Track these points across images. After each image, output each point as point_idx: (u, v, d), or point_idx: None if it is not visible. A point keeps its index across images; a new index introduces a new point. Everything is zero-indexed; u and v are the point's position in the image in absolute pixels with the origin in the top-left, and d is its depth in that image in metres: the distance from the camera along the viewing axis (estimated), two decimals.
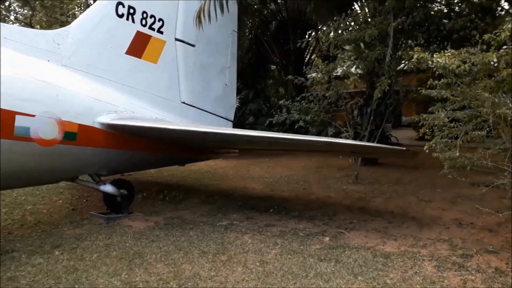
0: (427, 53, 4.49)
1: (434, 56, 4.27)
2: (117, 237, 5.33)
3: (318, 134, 14.08)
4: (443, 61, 4.06)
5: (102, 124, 5.66)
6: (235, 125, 15.94)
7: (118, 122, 5.73)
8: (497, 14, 7.90)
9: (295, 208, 6.60)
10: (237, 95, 15.73)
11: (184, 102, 7.31)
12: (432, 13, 7.43)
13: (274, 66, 19.48)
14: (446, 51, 4.28)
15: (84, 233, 5.55)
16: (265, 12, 17.50)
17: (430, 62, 4.27)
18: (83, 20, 6.16)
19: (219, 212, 6.53)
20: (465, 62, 4.08)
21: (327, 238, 4.95)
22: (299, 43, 8.66)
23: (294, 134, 5.41)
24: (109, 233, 5.51)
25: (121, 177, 7.24)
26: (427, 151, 4.59)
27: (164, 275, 3.98)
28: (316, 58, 17.84)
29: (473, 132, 4.25)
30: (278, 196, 7.75)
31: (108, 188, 6.23)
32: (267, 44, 16.91)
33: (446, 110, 4.27)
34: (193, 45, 7.46)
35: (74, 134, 5.36)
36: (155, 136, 6.24)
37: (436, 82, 4.37)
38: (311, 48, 18.17)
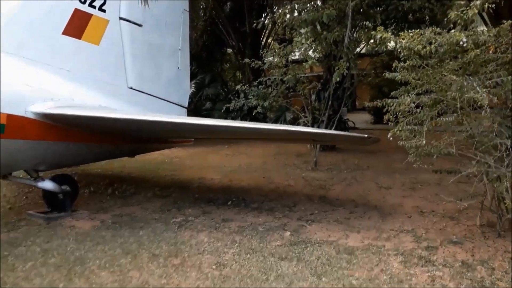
0: (389, 34, 4.24)
1: (399, 36, 4.01)
2: (57, 240, 4.77)
3: (276, 120, 13.86)
4: (407, 42, 3.82)
5: (36, 113, 5.01)
6: (191, 112, 15.34)
7: (55, 111, 5.09)
8: None
9: (254, 199, 6.29)
10: (192, 80, 15.14)
11: (131, 88, 6.70)
12: None
13: (231, 50, 18.96)
14: (407, 32, 4.02)
15: (19, 237, 4.93)
16: None
17: (393, 42, 4.02)
18: None
19: (173, 207, 6.09)
20: (430, 43, 3.85)
21: (288, 233, 4.67)
22: (255, 24, 8.26)
23: (252, 122, 5.06)
24: (49, 236, 4.93)
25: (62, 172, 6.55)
26: (391, 138, 4.37)
27: (107, 285, 3.53)
28: (272, 41, 17.54)
29: (439, 118, 4.06)
30: (236, 187, 7.40)
31: (48, 184, 5.60)
32: (222, 26, 16.32)
33: (411, 95, 4.04)
34: (140, 25, 6.82)
35: (2, 126, 4.68)
36: (98, 126, 5.65)
37: (401, 64, 4.13)
38: (268, 31, 17.82)
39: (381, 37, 4.19)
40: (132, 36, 6.73)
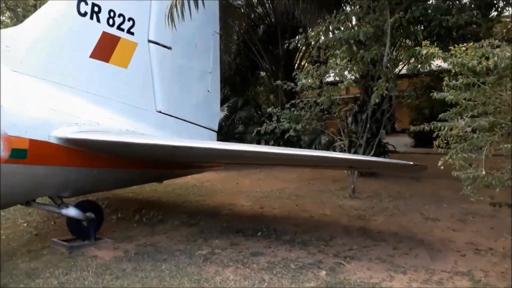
0: (437, 48, 3.76)
1: (448, 51, 3.53)
2: (76, 272, 4.51)
3: (311, 143, 13.39)
4: (460, 57, 3.33)
5: (60, 138, 4.84)
6: (224, 135, 15.19)
7: (79, 136, 4.91)
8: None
9: (286, 230, 5.81)
10: (225, 103, 15.06)
11: (160, 111, 6.50)
12: (434, 6, 6.72)
13: (264, 73, 18.82)
14: (458, 46, 3.54)
15: (39, 267, 4.72)
16: (253, 16, 16.83)
17: (441, 59, 3.54)
18: (39, 19, 5.35)
19: (200, 236, 5.73)
20: (487, 58, 3.35)
21: (324, 272, 4.16)
22: (287, 45, 7.95)
23: (283, 148, 4.66)
24: (68, 267, 4.69)
25: (88, 198, 6.39)
26: (442, 167, 3.83)
27: None
28: (306, 63, 17.26)
29: (500, 145, 3.49)
30: (268, 215, 6.95)
31: (72, 211, 5.40)
32: (255, 50, 16.23)
33: (465, 117, 3.51)
34: (169, 48, 6.68)
35: (24, 151, 4.54)
36: (123, 151, 5.43)
37: (453, 82, 3.63)
38: (301, 53, 17.57)
39: (426, 53, 3.72)
40: (161, 59, 6.58)
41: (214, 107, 7.71)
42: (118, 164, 5.52)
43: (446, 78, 3.74)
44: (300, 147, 15.00)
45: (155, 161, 6.10)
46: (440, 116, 4.01)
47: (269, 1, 16.11)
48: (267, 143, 18.01)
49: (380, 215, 6.52)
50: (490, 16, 6.85)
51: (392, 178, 10.08)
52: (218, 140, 14.90)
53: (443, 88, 3.95)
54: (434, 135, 3.92)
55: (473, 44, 3.51)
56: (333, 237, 5.41)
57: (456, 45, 3.56)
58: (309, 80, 7.43)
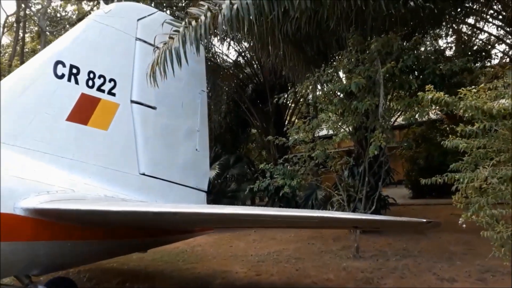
0: (442, 93, 3.45)
1: (455, 96, 3.20)
2: None
3: (307, 198, 12.88)
4: (473, 100, 3.00)
5: (27, 209, 4.32)
6: (216, 193, 14.62)
7: (48, 206, 4.39)
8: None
9: None
10: (216, 161, 14.69)
11: (143, 174, 6.05)
12: (426, 55, 6.61)
13: (255, 130, 18.72)
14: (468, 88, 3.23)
15: None
16: (241, 76, 17.03)
17: (449, 104, 3.21)
18: (10, 82, 5.05)
19: None
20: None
21: None
22: (277, 99, 7.75)
23: (278, 209, 4.19)
24: None
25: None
26: (463, 225, 3.35)
27: None
28: (296, 120, 17.22)
29: None
30: (265, 283, 6.27)
31: None
32: (245, 108, 16.21)
33: (486, 166, 3.11)
34: (153, 107, 6.38)
35: None
36: (99, 220, 4.89)
37: (469, 128, 3.26)
38: (290, 110, 17.59)
39: (432, 98, 3.40)
40: (145, 119, 6.26)
41: (203, 166, 7.28)
42: (95, 235, 4.95)
43: (461, 124, 3.38)
44: (296, 203, 14.44)
45: (137, 230, 5.53)
46: (451, 166, 3.60)
47: (256, 62, 16.37)
48: (261, 200, 17.45)
49: (390, 277, 5.88)
50: (478, 64, 6.72)
51: (396, 233, 9.48)
52: (209, 199, 14.33)
53: (437, 137, 3.61)
54: (454, 188, 3.47)
55: (485, 84, 3.21)
56: None
57: (463, 88, 3.26)
58: (301, 134, 7.10)
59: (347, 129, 6.67)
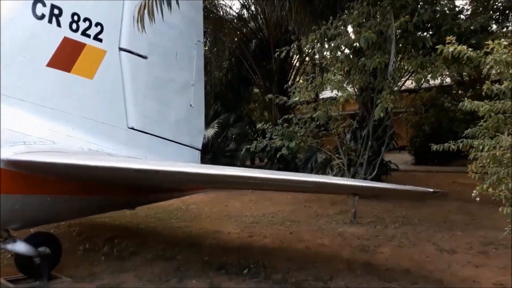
0: (465, 46, 3.00)
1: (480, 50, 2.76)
2: None
3: (306, 161, 12.58)
4: (503, 54, 2.55)
5: (1, 160, 4.00)
6: (214, 153, 14.35)
7: (24, 157, 4.06)
8: None
9: (278, 267, 4.93)
10: (215, 119, 14.30)
11: (132, 128, 5.68)
12: (444, 10, 5.98)
13: (258, 89, 18.15)
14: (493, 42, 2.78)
15: None
16: (244, 30, 16.25)
17: (474, 58, 2.77)
18: None
19: (174, 275, 4.82)
20: None
21: None
22: (279, 53, 7.20)
23: (272, 172, 3.85)
24: None
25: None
26: (477, 199, 3.00)
27: None
28: (301, 80, 16.61)
29: None
30: (257, 245, 6.07)
31: (20, 246, 4.52)
32: (248, 65, 15.56)
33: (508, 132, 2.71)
34: (144, 57, 5.90)
35: None
36: (80, 175, 4.58)
37: (497, 86, 2.83)
38: (295, 70, 16.93)
39: (453, 51, 2.94)
40: (135, 69, 5.79)
41: (197, 123, 6.90)
42: (76, 190, 4.65)
43: (488, 82, 2.93)
44: (295, 165, 14.18)
45: (122, 187, 5.24)
46: (467, 132, 3.21)
47: (261, 15, 15.54)
48: (261, 161, 17.19)
49: (387, 246, 5.65)
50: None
51: (396, 200, 9.24)
52: (207, 158, 14.08)
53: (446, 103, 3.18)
54: (472, 156, 3.09)
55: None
56: (334, 276, 4.53)
57: (491, 41, 2.80)
58: (303, 94, 6.65)
59: (352, 89, 6.18)
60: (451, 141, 3.46)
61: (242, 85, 16.62)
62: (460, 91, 14.99)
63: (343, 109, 17.34)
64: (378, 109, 5.67)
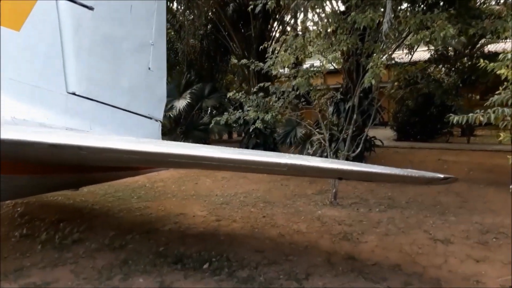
0: None
1: None
2: None
3: (285, 136, 11.81)
4: None
5: None
6: (187, 125, 13.38)
7: None
8: None
9: (245, 261, 4.15)
10: (188, 89, 13.26)
11: (74, 93, 4.70)
12: None
13: (236, 59, 17.06)
14: None
15: None
16: None
17: None
18: None
19: (120, 270, 3.99)
20: None
21: None
22: (253, 7, 6.20)
23: (231, 151, 3.01)
24: None
25: None
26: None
27: None
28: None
29: None
30: (224, 232, 5.27)
31: None
32: (225, 32, 14.42)
33: None
34: (90, 8, 4.84)
35: None
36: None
37: None
38: (274, 41, 15.88)
39: None
40: (77, 21, 4.74)
41: (157, 90, 5.92)
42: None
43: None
44: (274, 140, 13.40)
45: (58, 164, 4.30)
46: (493, 99, 2.44)
47: None
48: (239, 135, 16.29)
49: (372, 233, 4.93)
50: None
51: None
52: (179, 131, 13.11)
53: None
54: (502, 125, 2.33)
55: None
56: (310, 273, 3.78)
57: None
58: (282, 58, 5.74)
59: (337, 53, 5.29)
60: (478, 111, 2.67)
61: (218, 54, 15.51)
62: (446, 65, 14.32)
63: (325, 82, 16.54)
64: (369, 75, 4.81)
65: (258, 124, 6.26)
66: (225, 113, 6.69)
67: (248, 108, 6.51)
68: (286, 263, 4.03)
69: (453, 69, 12.66)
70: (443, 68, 14.80)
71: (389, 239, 4.69)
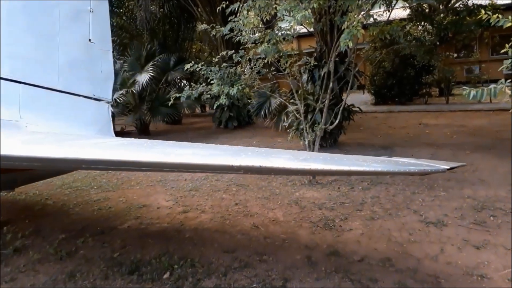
0: None
1: None
2: None
3: (259, 108, 11.11)
4: None
5: None
6: (152, 101, 12.41)
7: None
8: None
9: (212, 264, 3.54)
10: (151, 59, 12.20)
11: None
12: None
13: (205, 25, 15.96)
14: None
15: None
16: None
17: None
18: None
19: (64, 287, 3.34)
20: None
21: None
22: None
23: (176, 145, 2.31)
24: None
25: None
26: None
27: None
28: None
29: None
30: (191, 227, 4.62)
31: None
32: None
33: None
34: None
35: None
36: None
37: None
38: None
39: None
40: None
41: (103, 65, 5.07)
42: None
43: None
44: (247, 112, 12.69)
45: None
46: None
47: None
48: (212, 109, 15.41)
49: (356, 218, 4.39)
50: None
51: (359, 148, 8.09)
52: (144, 108, 12.17)
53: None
54: None
55: None
56: (289, 277, 3.20)
57: None
58: (245, 19, 4.95)
59: (307, 11, 4.52)
60: (501, 81, 2.05)
61: (183, 20, 14.37)
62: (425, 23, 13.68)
63: (300, 48, 15.73)
64: (345, 36, 4.11)
65: (223, 99, 5.52)
66: (185, 88, 5.89)
67: (213, 81, 5.75)
68: (260, 266, 3.45)
69: (431, 27, 12.05)
70: (419, 27, 14.19)
71: (375, 225, 4.16)
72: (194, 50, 18.38)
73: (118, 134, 13.94)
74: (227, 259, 3.62)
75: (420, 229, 3.94)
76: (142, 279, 3.39)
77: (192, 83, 6.32)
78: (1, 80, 3.90)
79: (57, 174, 5.55)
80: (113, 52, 12.97)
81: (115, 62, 13.10)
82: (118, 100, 11.00)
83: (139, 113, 11.96)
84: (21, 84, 4.09)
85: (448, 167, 1.93)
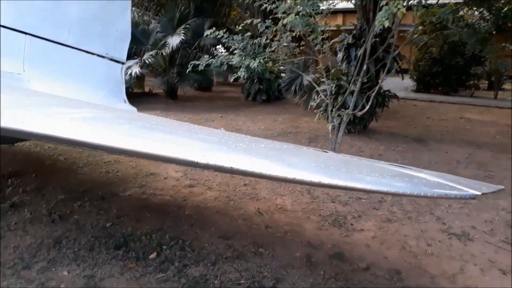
0: None
1: None
2: None
3: (290, 83, 10.59)
4: None
5: None
6: (181, 66, 12.09)
7: None
8: None
9: (204, 250, 3.28)
10: (185, 22, 11.84)
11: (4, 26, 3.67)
12: None
13: None
14: None
15: None
16: None
17: None
18: None
19: (47, 254, 3.17)
20: None
21: None
22: None
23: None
24: None
25: None
26: None
27: None
28: None
29: None
30: (193, 203, 4.38)
31: None
32: None
33: None
34: None
35: None
36: None
37: None
38: None
39: None
40: None
41: (119, 23, 4.78)
42: None
43: None
44: (278, 86, 12.20)
45: None
46: None
47: None
48: (246, 83, 15.04)
49: (371, 218, 3.98)
50: None
51: (391, 138, 7.51)
52: (173, 73, 11.91)
53: None
54: None
55: None
56: (280, 278, 2.89)
57: None
58: None
59: None
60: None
61: None
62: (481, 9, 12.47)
63: (344, 24, 14.86)
64: (382, 14, 3.58)
65: (241, 72, 5.12)
66: (204, 56, 5.53)
67: (236, 52, 5.35)
68: (254, 259, 3.15)
69: (489, 13, 10.92)
70: (475, 12, 12.98)
71: (391, 228, 3.74)
72: (232, 17, 17.80)
73: (146, 95, 13.86)
74: (220, 246, 3.34)
75: (440, 240, 3.50)
76: (127, 256, 3.18)
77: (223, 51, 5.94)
78: (2, 29, 3.68)
79: None
80: (148, 11, 12.59)
81: (149, 22, 12.84)
82: (147, 61, 10.79)
83: (167, 77, 11.74)
84: (28, 36, 3.87)
85: (480, 193, 1.54)
